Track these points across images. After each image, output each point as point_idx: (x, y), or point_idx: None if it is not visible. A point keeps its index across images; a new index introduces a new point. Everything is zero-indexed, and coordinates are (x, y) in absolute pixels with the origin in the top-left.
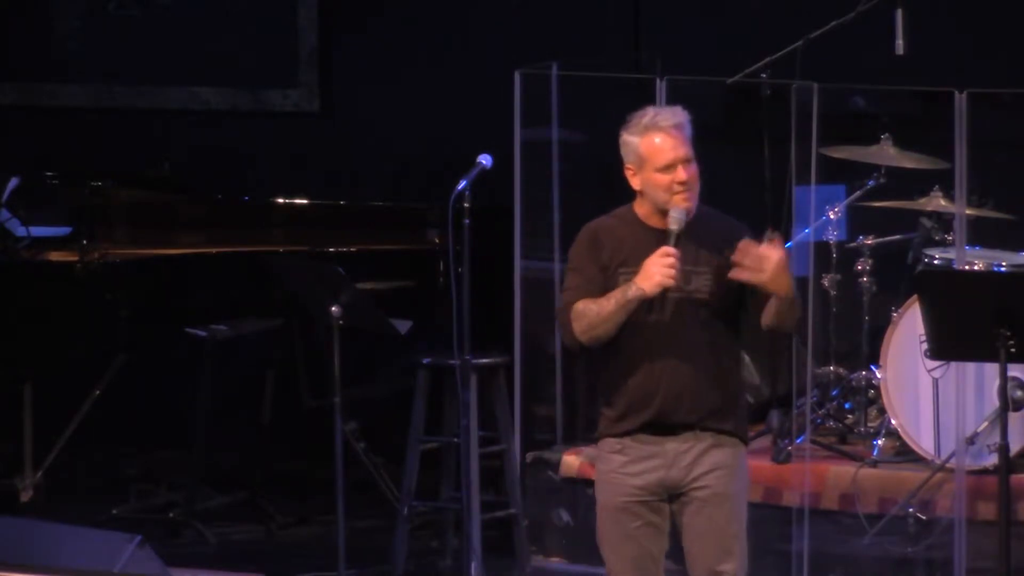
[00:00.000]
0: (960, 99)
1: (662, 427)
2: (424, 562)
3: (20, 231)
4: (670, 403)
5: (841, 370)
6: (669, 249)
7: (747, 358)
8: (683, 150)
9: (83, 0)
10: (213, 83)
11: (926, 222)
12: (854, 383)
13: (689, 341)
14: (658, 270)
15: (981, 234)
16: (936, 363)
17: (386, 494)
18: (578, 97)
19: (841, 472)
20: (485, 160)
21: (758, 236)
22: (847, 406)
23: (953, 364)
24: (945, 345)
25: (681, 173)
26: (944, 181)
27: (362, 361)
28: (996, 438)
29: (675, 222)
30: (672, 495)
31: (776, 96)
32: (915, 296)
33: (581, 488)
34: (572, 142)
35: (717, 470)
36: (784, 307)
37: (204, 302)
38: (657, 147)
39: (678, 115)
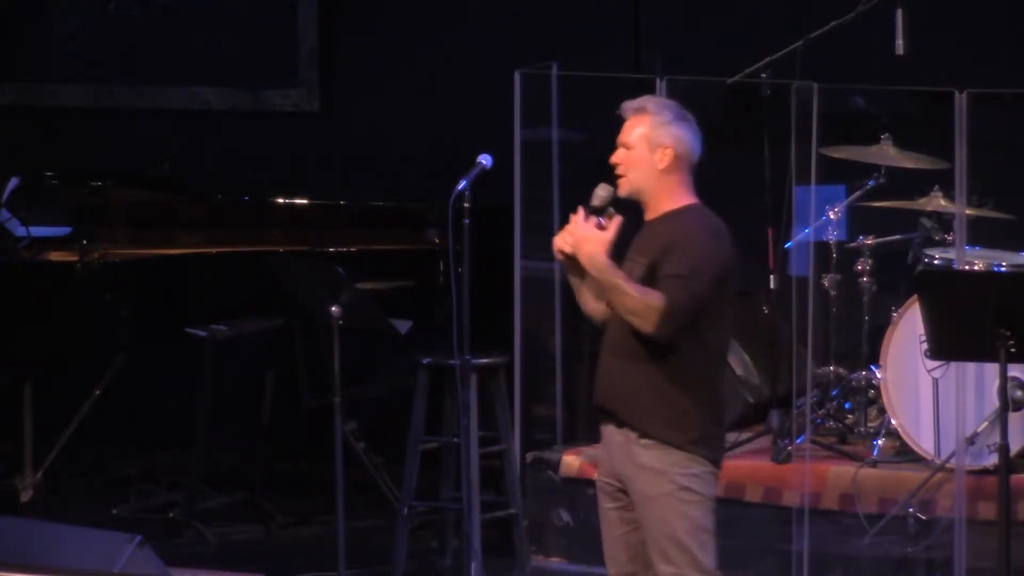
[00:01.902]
0: (960, 99)
1: (603, 414)
2: (424, 562)
3: (20, 231)
4: (601, 393)
5: (841, 370)
6: (573, 217)
7: (747, 358)
8: (623, 135)
9: (83, 0)
10: (213, 83)
11: (926, 222)
12: (854, 383)
13: (620, 334)
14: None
15: (981, 234)
16: (936, 363)
17: (386, 494)
18: (578, 97)
19: (841, 472)
20: (485, 160)
21: (755, 236)
22: (847, 406)
23: (953, 364)
24: (945, 345)
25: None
26: (944, 181)
27: (362, 361)
28: (996, 438)
29: (594, 197)
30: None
31: (776, 96)
32: (915, 296)
33: (581, 488)
34: (572, 142)
35: (643, 471)
36: (600, 289)
37: (204, 302)
38: None
39: (642, 101)
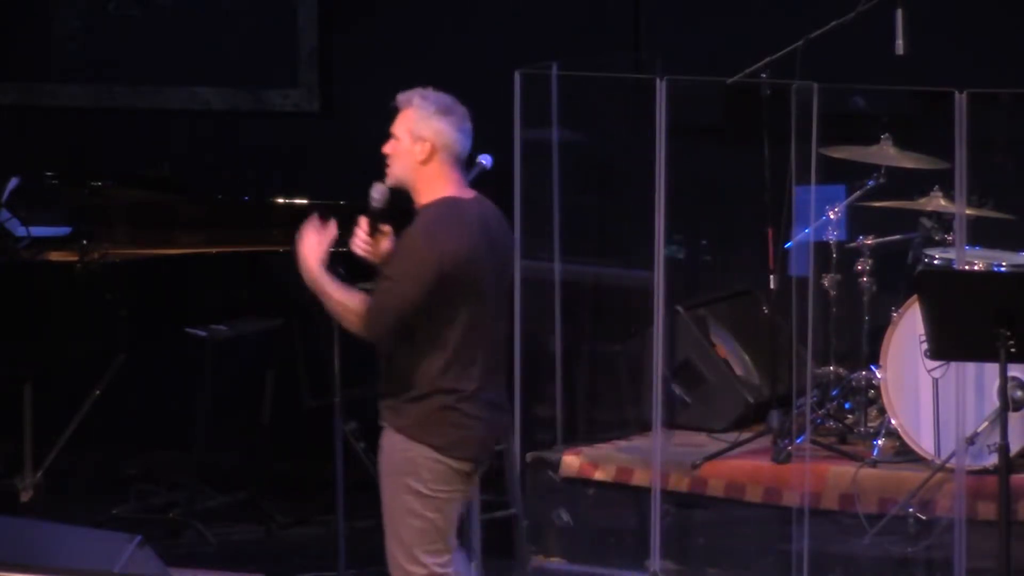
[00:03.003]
0: (960, 99)
1: None
2: None
3: (20, 231)
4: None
5: (841, 370)
6: (361, 220)
7: (747, 358)
8: (393, 126)
9: (83, 0)
10: (213, 83)
11: (926, 222)
12: (854, 383)
13: None
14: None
15: (981, 234)
16: (936, 363)
17: None
18: (578, 97)
19: (841, 472)
20: (485, 160)
21: (755, 236)
22: (847, 406)
23: (953, 364)
24: (945, 345)
25: None
26: (944, 181)
27: (362, 361)
28: (996, 438)
29: (371, 200)
30: None
31: (776, 96)
32: (915, 296)
33: (581, 488)
34: (572, 142)
35: (381, 451)
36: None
37: (204, 302)
38: None
39: (410, 94)
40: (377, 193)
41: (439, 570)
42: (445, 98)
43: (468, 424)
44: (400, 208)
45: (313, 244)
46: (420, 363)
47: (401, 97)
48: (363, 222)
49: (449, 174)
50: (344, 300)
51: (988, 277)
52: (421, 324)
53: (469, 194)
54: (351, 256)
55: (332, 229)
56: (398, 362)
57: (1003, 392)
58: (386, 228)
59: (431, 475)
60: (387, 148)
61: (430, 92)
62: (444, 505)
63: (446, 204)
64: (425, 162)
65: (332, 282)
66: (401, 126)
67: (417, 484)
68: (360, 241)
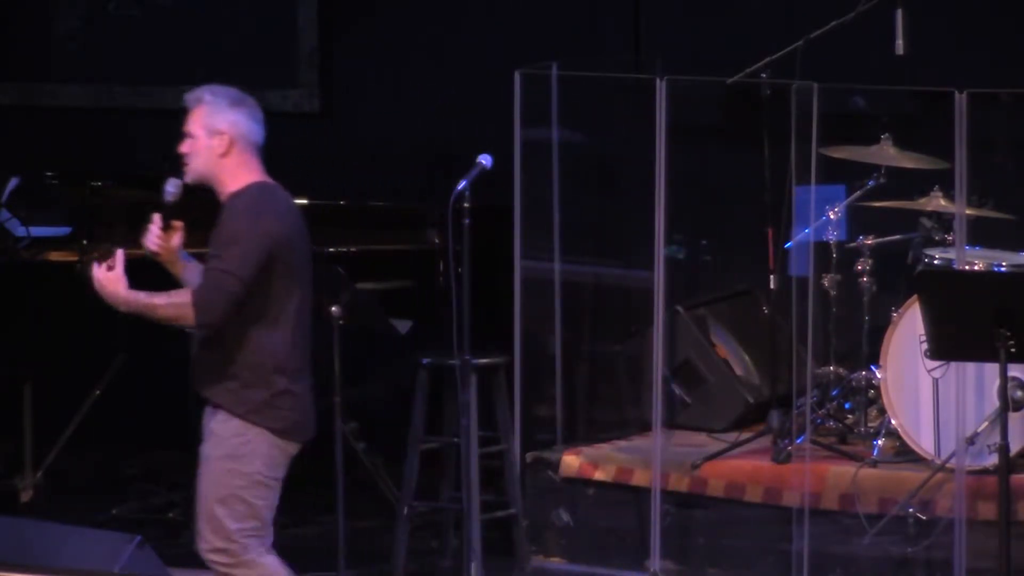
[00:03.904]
0: (960, 99)
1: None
2: (424, 562)
3: (20, 231)
4: (192, 371)
5: (841, 370)
6: (154, 216)
7: (747, 358)
8: (187, 125)
9: (83, 0)
10: (213, 83)
11: (926, 222)
12: (854, 383)
13: None
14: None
15: (981, 234)
16: (936, 363)
17: (386, 494)
18: (578, 97)
19: (841, 472)
20: (485, 160)
21: (755, 236)
22: (847, 406)
23: (953, 364)
24: (945, 345)
25: None
26: (944, 181)
27: (362, 361)
28: (996, 438)
29: (165, 194)
30: None
31: (776, 96)
32: (915, 296)
33: (581, 488)
34: (572, 142)
35: (210, 435)
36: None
37: None
38: None
39: (199, 92)
40: (172, 187)
41: (255, 543)
42: (233, 91)
43: (301, 407)
44: (196, 203)
45: (108, 281)
46: (259, 346)
47: (190, 96)
48: (156, 218)
49: (250, 162)
50: (173, 301)
51: (988, 277)
52: (259, 306)
53: (271, 181)
54: (351, 256)
55: (117, 255)
56: (237, 345)
57: (1003, 392)
58: (177, 224)
59: (266, 462)
60: (184, 147)
61: (218, 87)
62: (270, 493)
63: (258, 188)
64: (225, 154)
65: (149, 295)
66: (196, 123)
67: (250, 471)
68: (153, 237)
